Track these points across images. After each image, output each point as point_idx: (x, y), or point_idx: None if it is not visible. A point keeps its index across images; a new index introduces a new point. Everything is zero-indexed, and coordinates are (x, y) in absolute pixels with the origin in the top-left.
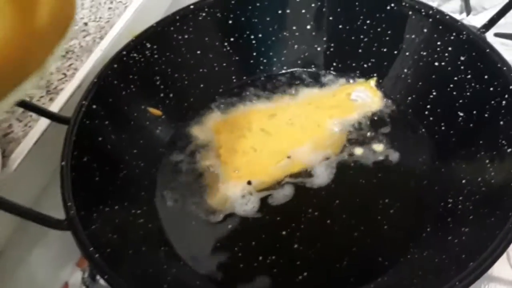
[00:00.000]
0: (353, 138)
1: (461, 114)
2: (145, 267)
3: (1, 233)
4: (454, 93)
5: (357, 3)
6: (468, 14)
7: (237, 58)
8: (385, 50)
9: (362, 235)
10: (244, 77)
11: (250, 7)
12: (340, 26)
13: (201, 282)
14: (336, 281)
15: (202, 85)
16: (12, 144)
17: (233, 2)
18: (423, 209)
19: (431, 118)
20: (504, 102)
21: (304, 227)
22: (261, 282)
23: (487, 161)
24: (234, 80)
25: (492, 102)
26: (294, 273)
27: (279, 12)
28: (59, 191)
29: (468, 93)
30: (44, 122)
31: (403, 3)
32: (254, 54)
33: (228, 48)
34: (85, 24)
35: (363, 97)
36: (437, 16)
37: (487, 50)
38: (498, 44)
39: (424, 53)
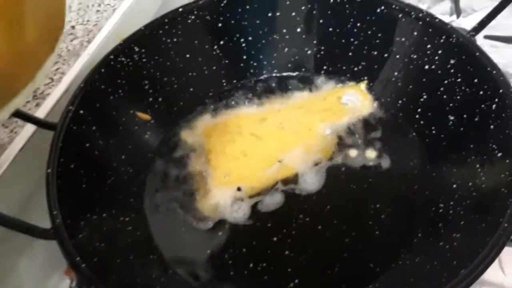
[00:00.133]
0: (344, 142)
1: (452, 118)
2: (133, 276)
3: None
4: (445, 96)
5: (347, 6)
6: (458, 16)
7: (227, 61)
8: (375, 53)
9: (354, 241)
10: (234, 81)
11: (239, 10)
12: (331, 29)
13: None
14: None
15: (191, 89)
16: None
17: (222, 5)
18: (414, 214)
19: (421, 122)
20: (494, 106)
21: (295, 233)
22: None
23: (477, 165)
24: (224, 84)
25: (482, 106)
26: (285, 280)
27: (269, 15)
28: (45, 199)
29: (458, 97)
30: (30, 128)
31: (393, 6)
32: (244, 57)
33: (218, 51)
34: (73, 27)
35: (354, 100)
36: (427, 19)
37: (477, 54)
38: (488, 46)
39: (414, 56)
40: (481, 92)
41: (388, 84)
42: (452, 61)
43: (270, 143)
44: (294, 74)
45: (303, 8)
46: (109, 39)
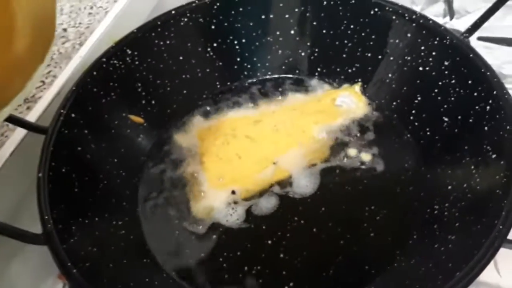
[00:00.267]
0: (338, 144)
1: (446, 119)
2: (126, 281)
3: None
4: (439, 98)
5: (340, 8)
6: (451, 17)
7: (220, 63)
8: (369, 55)
9: (348, 244)
10: (228, 83)
11: (233, 12)
12: (324, 31)
13: None
14: None
15: (185, 92)
16: None
17: (215, 7)
18: (409, 216)
19: (416, 123)
20: (488, 107)
21: (289, 236)
22: None
23: (472, 167)
24: (218, 86)
25: (477, 107)
26: (280, 283)
27: (263, 17)
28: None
29: (452, 98)
30: (21, 132)
31: (387, 8)
32: (238, 59)
33: (211, 53)
34: (64, 30)
35: (348, 102)
36: (421, 21)
37: (471, 55)
38: (482, 48)
39: (408, 58)
40: (475, 94)
41: (382, 86)
42: (446, 63)
43: (264, 145)
44: (288, 76)
45: (296, 10)
46: (101, 42)
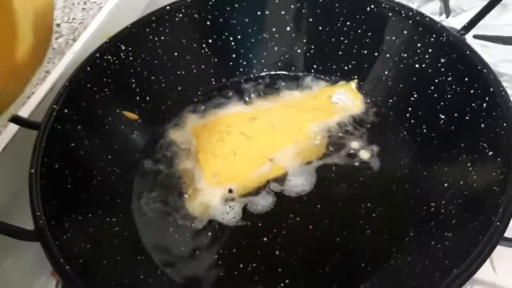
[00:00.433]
0: (334, 142)
1: (443, 116)
2: (120, 278)
3: None
4: (435, 95)
5: (336, 5)
6: (447, 16)
7: (215, 60)
8: (365, 52)
9: (345, 241)
10: (223, 80)
11: (228, 8)
12: (320, 28)
13: None
14: None
15: (179, 88)
16: None
17: (210, 3)
18: (405, 213)
19: (412, 121)
20: (484, 104)
21: (285, 233)
22: None
23: (468, 164)
24: (213, 83)
25: (473, 104)
26: (275, 280)
27: (258, 13)
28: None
29: (449, 96)
30: (13, 127)
31: (383, 5)
32: (233, 56)
33: (207, 50)
34: (58, 25)
35: (344, 99)
36: (417, 18)
37: (467, 52)
38: (477, 46)
39: (405, 55)
40: (471, 91)
41: (379, 83)
42: (442, 60)
43: (260, 142)
44: (284, 73)
45: (292, 6)
46: (95, 37)
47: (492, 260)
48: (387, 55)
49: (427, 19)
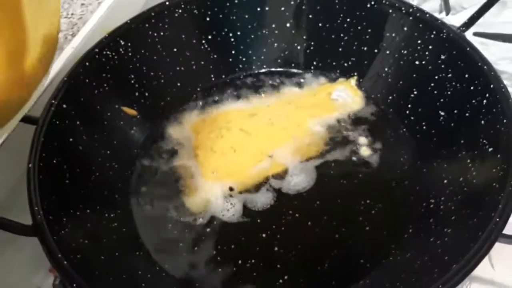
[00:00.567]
0: (333, 138)
1: (442, 113)
2: (118, 273)
3: None
4: (435, 92)
5: (336, 1)
6: (447, 13)
7: (215, 56)
8: (365, 48)
9: (343, 237)
10: (223, 76)
11: (228, 4)
12: (320, 24)
13: None
14: (317, 285)
15: (179, 84)
16: None
17: None
18: (405, 210)
19: (412, 118)
20: (484, 101)
21: (284, 229)
22: (241, 287)
23: (468, 160)
24: (213, 79)
25: (473, 101)
26: (274, 276)
27: (258, 9)
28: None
29: (449, 92)
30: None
31: (383, 1)
32: (233, 52)
33: (206, 46)
34: None
35: (344, 96)
36: (417, 14)
37: (468, 49)
38: (477, 43)
39: (405, 52)
40: (472, 87)
41: (379, 80)
42: (442, 57)
43: (259, 138)
44: (284, 69)
45: (292, 3)
46: (94, 33)
47: (490, 257)
48: (387, 52)
49: (427, 15)
